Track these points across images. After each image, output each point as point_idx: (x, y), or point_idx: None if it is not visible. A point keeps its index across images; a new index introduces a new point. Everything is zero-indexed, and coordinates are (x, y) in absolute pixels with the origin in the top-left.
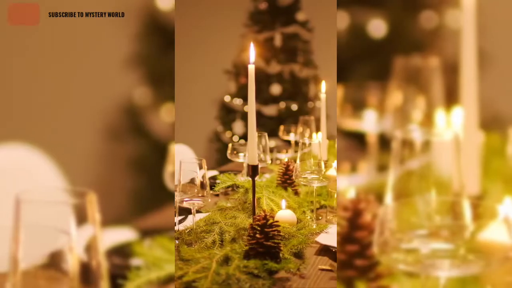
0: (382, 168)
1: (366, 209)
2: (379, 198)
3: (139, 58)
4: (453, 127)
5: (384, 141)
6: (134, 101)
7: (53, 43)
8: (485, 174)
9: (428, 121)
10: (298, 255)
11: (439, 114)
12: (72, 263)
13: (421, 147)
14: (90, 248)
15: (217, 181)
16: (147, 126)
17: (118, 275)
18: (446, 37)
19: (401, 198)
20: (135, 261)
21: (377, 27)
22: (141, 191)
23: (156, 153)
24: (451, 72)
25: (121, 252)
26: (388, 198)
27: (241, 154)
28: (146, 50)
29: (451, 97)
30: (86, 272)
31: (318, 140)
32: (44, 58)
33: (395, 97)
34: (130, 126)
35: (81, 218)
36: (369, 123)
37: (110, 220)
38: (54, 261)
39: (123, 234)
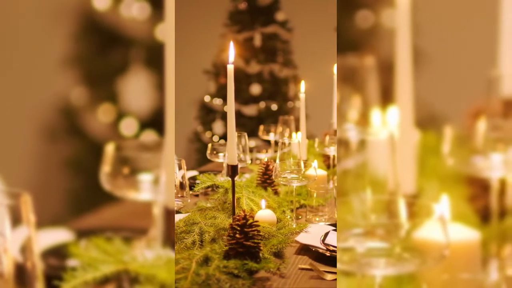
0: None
1: None
2: None
3: (76, 58)
4: (389, 126)
5: None
6: (71, 101)
7: None
8: (421, 173)
9: (363, 120)
10: (278, 254)
11: (375, 113)
12: (7, 265)
13: (356, 146)
14: (25, 249)
15: (197, 181)
16: (83, 126)
17: (53, 276)
18: (381, 36)
19: (337, 197)
20: (71, 262)
21: None
22: (77, 192)
23: (92, 154)
24: (387, 71)
25: (57, 253)
26: None
27: (220, 154)
28: (82, 50)
29: (387, 96)
30: (21, 273)
31: (298, 139)
32: None
33: None
34: (66, 127)
35: (16, 219)
36: None
37: (46, 221)
38: None
39: (59, 235)
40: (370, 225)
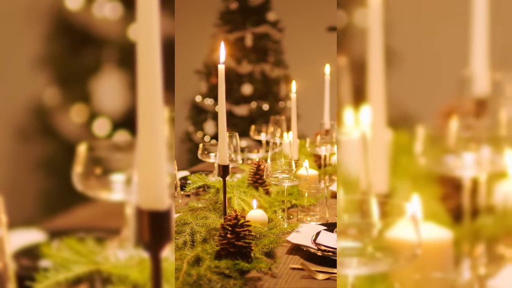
0: None
1: None
2: None
3: (48, 58)
4: (361, 125)
5: None
6: (43, 101)
7: None
8: (393, 172)
9: (336, 119)
10: (269, 254)
11: (348, 113)
12: None
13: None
14: None
15: (188, 181)
16: (56, 126)
17: (26, 277)
18: (354, 36)
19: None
20: (43, 263)
21: None
22: (49, 192)
23: (65, 154)
24: (359, 71)
25: (29, 253)
26: None
27: (212, 154)
28: (54, 50)
29: (359, 96)
30: None
31: (289, 139)
32: None
33: None
34: (39, 127)
35: None
36: None
37: (18, 221)
38: None
39: (31, 236)
40: (343, 225)
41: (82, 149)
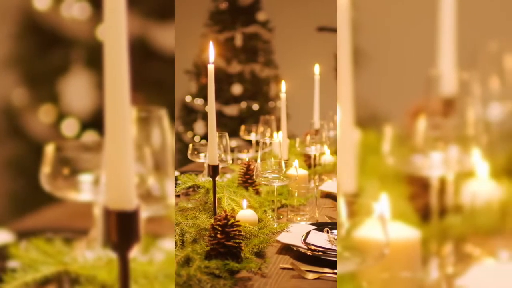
0: None
1: None
2: None
3: (16, 59)
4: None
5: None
6: (11, 102)
7: None
8: (361, 172)
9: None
10: (259, 254)
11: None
12: None
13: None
14: None
15: (178, 181)
16: (24, 127)
17: None
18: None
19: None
20: (11, 263)
21: None
22: (18, 193)
23: (33, 155)
24: None
25: None
26: None
27: (202, 155)
28: (23, 50)
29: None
30: None
31: (279, 139)
32: None
33: None
34: (7, 128)
35: None
36: None
37: None
38: None
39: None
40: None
41: (49, 149)
